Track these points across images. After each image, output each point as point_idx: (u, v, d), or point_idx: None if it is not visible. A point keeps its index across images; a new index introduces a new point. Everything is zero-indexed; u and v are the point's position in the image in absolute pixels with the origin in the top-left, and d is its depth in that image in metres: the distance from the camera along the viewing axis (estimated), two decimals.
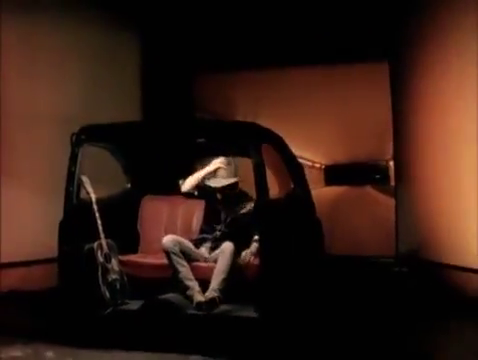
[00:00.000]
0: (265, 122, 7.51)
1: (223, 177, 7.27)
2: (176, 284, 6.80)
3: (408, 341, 6.82)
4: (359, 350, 6.48)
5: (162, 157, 8.04)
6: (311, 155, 11.29)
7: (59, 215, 7.13)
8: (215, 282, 6.60)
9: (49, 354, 6.32)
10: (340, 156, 11.29)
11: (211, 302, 6.49)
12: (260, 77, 11.73)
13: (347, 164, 11.25)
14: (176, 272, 6.76)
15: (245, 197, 7.40)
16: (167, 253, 6.78)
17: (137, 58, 11.46)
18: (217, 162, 7.31)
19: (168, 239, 6.83)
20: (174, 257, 6.75)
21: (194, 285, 6.71)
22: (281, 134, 7.67)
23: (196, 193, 7.33)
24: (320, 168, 11.27)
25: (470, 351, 6.37)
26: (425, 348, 6.54)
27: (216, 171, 7.28)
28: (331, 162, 11.36)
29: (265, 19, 11.19)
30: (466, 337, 6.91)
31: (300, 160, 10.38)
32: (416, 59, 9.81)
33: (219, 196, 7.35)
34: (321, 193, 11.03)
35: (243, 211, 7.32)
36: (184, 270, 6.76)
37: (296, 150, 9.83)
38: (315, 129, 11.23)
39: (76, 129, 7.30)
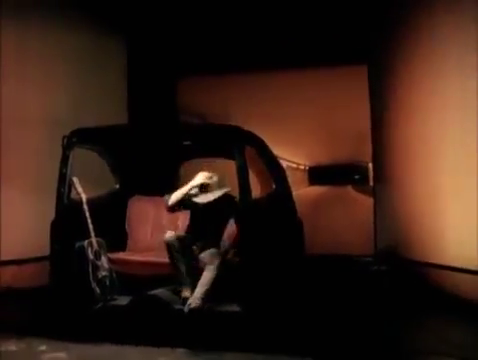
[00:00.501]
0: (249, 125, 7.76)
1: (208, 191, 7.30)
2: (173, 278, 7.04)
3: (383, 334, 7.05)
4: (334, 342, 6.71)
5: (149, 159, 8.25)
6: (295, 157, 11.59)
7: (49, 214, 7.32)
8: (200, 291, 6.73)
9: (42, 348, 6.52)
10: (323, 158, 11.61)
11: (192, 312, 6.67)
12: (243, 80, 11.97)
13: (329, 165, 11.59)
14: (175, 268, 6.93)
15: (229, 203, 7.42)
16: (169, 248, 6.91)
17: (123, 61, 11.51)
18: (200, 177, 7.32)
19: (170, 235, 6.97)
20: (175, 254, 6.88)
21: (187, 283, 6.90)
22: (265, 136, 7.94)
23: (181, 207, 7.40)
24: (304, 169, 11.58)
25: (444, 343, 6.64)
26: (400, 341, 6.80)
27: (201, 186, 7.32)
28: (314, 164, 11.68)
29: (248, 24, 11.38)
30: (440, 330, 7.16)
31: (285, 162, 10.81)
32: (394, 63, 9.97)
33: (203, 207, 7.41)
34: (305, 193, 11.43)
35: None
36: (183, 267, 6.92)
37: (281, 152, 10.23)
38: (298, 132, 11.48)
39: (63, 131, 7.50)
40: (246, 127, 7.42)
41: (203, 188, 7.28)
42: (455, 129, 8.53)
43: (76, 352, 6.44)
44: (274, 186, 8.02)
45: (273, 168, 8.08)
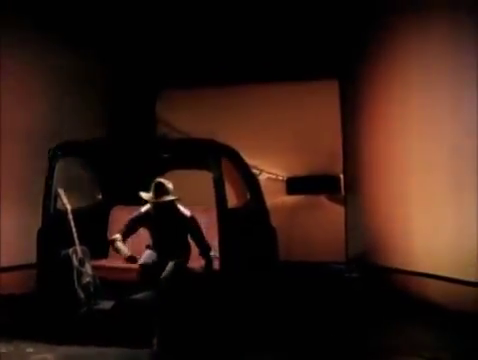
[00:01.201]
0: (227, 137, 8.17)
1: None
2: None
3: (351, 335, 7.52)
4: (304, 342, 7.18)
5: (130, 171, 8.59)
6: (275, 169, 11.98)
7: (31, 224, 7.77)
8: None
9: (29, 350, 6.81)
10: (299, 169, 11.95)
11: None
12: (221, 94, 12.29)
13: (305, 176, 11.95)
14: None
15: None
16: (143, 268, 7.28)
17: (102, 75, 11.70)
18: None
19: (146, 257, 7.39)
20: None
21: None
22: (243, 149, 8.34)
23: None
24: (282, 180, 11.94)
25: (407, 344, 7.09)
26: (367, 342, 7.21)
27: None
28: (291, 175, 12.03)
29: (225, 40, 11.72)
30: (406, 332, 7.61)
31: (267, 173, 11.23)
32: (363, 79, 10.42)
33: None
34: (282, 201, 11.79)
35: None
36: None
37: (260, 164, 10.63)
38: (276, 145, 11.80)
39: (45, 144, 7.91)
40: (224, 139, 7.83)
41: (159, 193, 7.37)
42: (420, 141, 8.96)
43: (62, 353, 6.73)
44: (249, 196, 8.41)
45: (248, 179, 8.47)
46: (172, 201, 7.32)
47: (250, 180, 8.56)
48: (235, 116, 12.16)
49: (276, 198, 11.59)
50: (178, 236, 7.49)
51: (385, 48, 9.75)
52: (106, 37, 11.65)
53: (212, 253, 7.37)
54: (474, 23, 7.89)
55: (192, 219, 7.42)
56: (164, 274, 7.19)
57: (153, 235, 7.60)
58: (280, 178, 11.99)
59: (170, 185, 7.36)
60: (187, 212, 7.44)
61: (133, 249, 7.54)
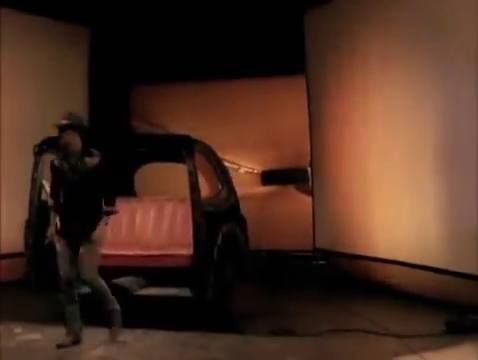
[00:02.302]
0: (200, 132, 8.72)
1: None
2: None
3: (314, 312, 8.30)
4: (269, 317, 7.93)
5: (109, 165, 8.99)
6: (250, 163, 12.65)
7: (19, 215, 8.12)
8: None
9: (17, 330, 7.39)
10: (272, 163, 12.62)
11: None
12: (194, 90, 12.83)
13: (277, 169, 12.65)
14: None
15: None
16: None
17: (83, 73, 12.15)
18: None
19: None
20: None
21: None
22: (218, 143, 8.90)
23: None
24: (258, 173, 12.66)
25: (365, 319, 7.81)
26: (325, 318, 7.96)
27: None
28: (265, 168, 12.70)
29: (199, 37, 12.22)
30: (364, 310, 8.34)
31: (244, 168, 11.87)
32: (327, 76, 10.86)
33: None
34: (257, 191, 12.48)
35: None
36: None
37: (237, 159, 11.51)
38: (250, 140, 12.47)
39: (26, 138, 8.43)
40: (197, 135, 8.32)
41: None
42: (380, 138, 9.61)
43: (48, 333, 7.32)
44: (220, 187, 8.94)
45: (219, 171, 9.00)
46: None
47: (222, 172, 9.06)
48: (209, 111, 12.74)
49: (252, 189, 12.36)
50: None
51: (349, 47, 10.21)
52: (87, 36, 12.13)
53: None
54: (435, 20, 8.43)
55: None
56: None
57: None
58: (255, 171, 12.64)
59: None
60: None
61: None
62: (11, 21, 10.59)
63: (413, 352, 6.43)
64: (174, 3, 11.72)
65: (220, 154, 9.34)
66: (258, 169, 12.75)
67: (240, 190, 9.47)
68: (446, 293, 8.23)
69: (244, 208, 9.28)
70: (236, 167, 12.43)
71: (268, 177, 12.72)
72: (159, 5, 11.75)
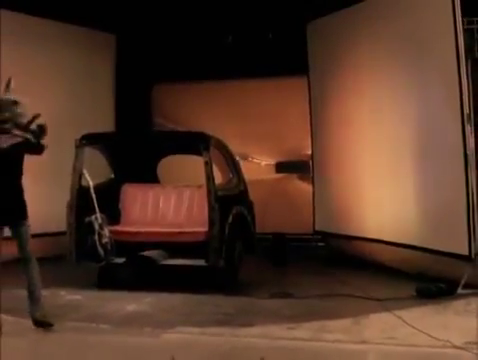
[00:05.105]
0: (223, 131, 10.46)
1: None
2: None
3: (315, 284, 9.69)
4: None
5: (137, 156, 10.32)
6: (268, 158, 14.39)
7: (60, 198, 9.38)
8: None
9: (62, 293, 8.78)
10: (282, 156, 14.25)
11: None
12: (212, 88, 14.26)
13: (286, 161, 14.29)
14: None
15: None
16: None
17: (109, 75, 13.39)
18: None
19: None
20: None
21: None
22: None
23: None
24: (272, 165, 14.37)
25: (351, 287, 9.23)
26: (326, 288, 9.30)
27: None
28: (277, 160, 14.35)
29: (217, 41, 13.54)
30: (356, 282, 9.67)
31: (259, 161, 14.24)
32: (327, 78, 12.05)
33: None
34: (271, 178, 14.24)
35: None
36: None
37: (256, 154, 13.85)
38: (262, 134, 14.00)
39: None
40: (216, 131, 9.85)
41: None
42: (369, 134, 10.88)
43: (87, 295, 8.74)
44: (231, 175, 10.32)
45: (230, 162, 10.38)
46: None
47: (233, 164, 10.42)
48: (226, 108, 14.26)
49: (269, 175, 14.13)
50: None
51: (343, 54, 11.43)
52: (114, 39, 13.34)
53: None
54: (414, 37, 9.67)
55: None
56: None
57: None
58: (272, 163, 14.30)
59: None
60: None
61: None
62: (44, 29, 11.85)
63: (388, 311, 7.81)
64: (194, 9, 12.79)
65: (242, 149, 10.71)
66: (272, 161, 14.35)
67: (260, 176, 11.63)
68: (421, 267, 9.54)
69: (261, 188, 11.17)
70: (258, 161, 14.37)
71: (280, 167, 14.35)
72: (179, 11, 12.82)
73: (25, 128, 6.87)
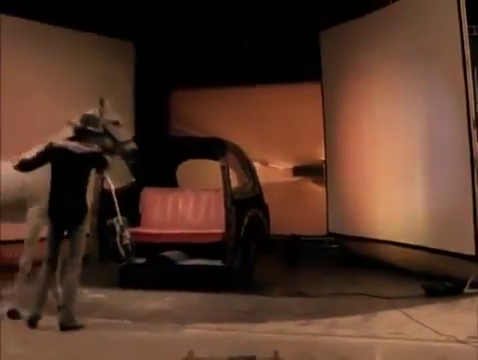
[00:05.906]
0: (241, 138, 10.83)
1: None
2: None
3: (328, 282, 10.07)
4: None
5: (156, 161, 10.62)
6: (284, 163, 14.83)
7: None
8: None
9: (86, 291, 9.01)
10: (299, 160, 14.72)
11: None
12: (229, 95, 14.69)
13: (301, 165, 14.75)
14: None
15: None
16: None
17: (129, 82, 13.68)
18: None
19: None
20: None
21: None
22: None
23: None
24: (289, 169, 14.89)
25: (361, 286, 9.56)
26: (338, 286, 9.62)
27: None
28: (293, 165, 14.84)
29: (234, 49, 13.98)
30: (367, 280, 10.09)
31: (277, 166, 14.79)
32: (340, 85, 12.43)
33: None
34: (288, 181, 14.71)
35: None
36: None
37: (273, 159, 14.30)
38: (280, 141, 14.51)
39: None
40: (235, 138, 10.36)
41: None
42: (383, 138, 11.19)
43: (109, 293, 9.15)
44: (247, 180, 10.65)
45: (246, 167, 10.73)
46: None
47: (248, 168, 10.75)
48: (243, 115, 14.65)
49: (287, 178, 14.63)
50: None
51: (356, 62, 11.81)
52: (134, 46, 13.68)
53: None
54: (423, 45, 10.06)
55: None
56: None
57: None
58: (289, 167, 14.80)
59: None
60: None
61: None
62: (66, 38, 12.26)
63: (396, 308, 8.17)
64: (211, 17, 13.20)
65: (261, 155, 11.75)
66: (289, 165, 14.88)
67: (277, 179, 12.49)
68: (429, 266, 9.89)
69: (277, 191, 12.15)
70: (277, 167, 14.90)
71: (297, 171, 14.88)
72: (196, 18, 13.24)
73: (116, 147, 7.83)
